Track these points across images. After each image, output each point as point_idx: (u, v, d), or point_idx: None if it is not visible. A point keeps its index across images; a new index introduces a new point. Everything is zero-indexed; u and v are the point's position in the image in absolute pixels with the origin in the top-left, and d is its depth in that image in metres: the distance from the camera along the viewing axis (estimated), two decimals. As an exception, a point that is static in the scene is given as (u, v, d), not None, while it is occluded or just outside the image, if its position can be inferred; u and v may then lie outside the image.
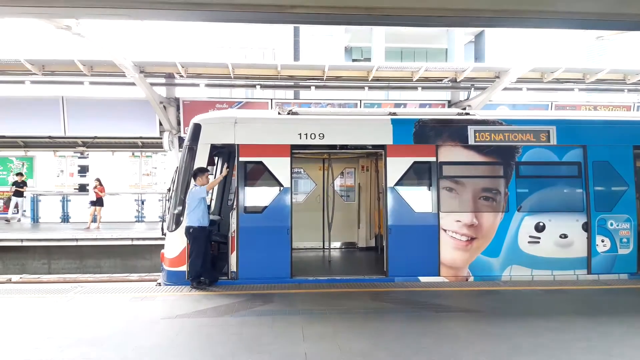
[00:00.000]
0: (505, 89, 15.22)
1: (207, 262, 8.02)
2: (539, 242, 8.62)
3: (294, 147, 8.49)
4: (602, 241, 8.73)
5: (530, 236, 8.61)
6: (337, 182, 12.21)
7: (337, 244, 11.81)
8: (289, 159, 8.41)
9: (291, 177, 8.45)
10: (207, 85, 15.63)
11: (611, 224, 8.74)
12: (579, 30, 10.77)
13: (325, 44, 26.28)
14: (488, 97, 15.13)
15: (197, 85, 15.58)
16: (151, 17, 6.50)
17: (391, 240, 8.47)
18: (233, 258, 8.24)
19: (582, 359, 5.02)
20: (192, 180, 8.16)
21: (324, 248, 11.51)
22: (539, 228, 8.62)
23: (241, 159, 8.37)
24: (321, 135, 8.54)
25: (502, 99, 16.24)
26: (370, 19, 5.84)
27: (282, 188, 8.35)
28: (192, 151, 8.40)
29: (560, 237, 8.64)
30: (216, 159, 9.92)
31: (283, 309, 6.86)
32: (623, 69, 16.06)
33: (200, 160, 8.30)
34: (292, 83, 16.10)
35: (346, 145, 8.84)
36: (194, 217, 7.91)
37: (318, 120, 8.84)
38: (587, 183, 8.78)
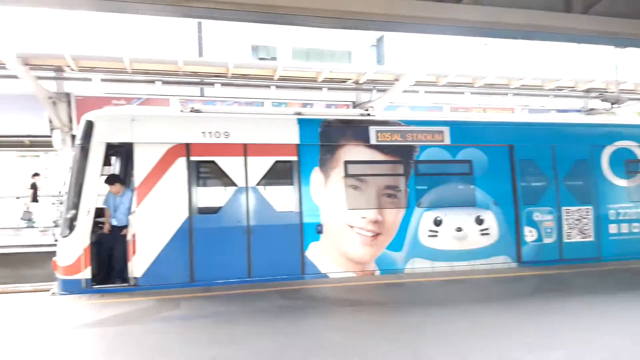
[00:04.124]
0: (404, 91, 16.01)
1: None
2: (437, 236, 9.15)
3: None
4: (530, 231, 9.55)
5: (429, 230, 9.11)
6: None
7: None
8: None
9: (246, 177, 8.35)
10: (103, 80, 14.63)
11: (536, 216, 9.61)
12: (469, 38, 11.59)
13: (232, 42, 25.89)
14: (389, 99, 15.81)
15: (90, 79, 14.52)
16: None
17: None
18: (135, 263, 7.80)
19: (474, 345, 5.42)
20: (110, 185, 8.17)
21: None
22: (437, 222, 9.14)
23: (192, 158, 8.10)
24: (226, 133, 8.40)
25: (403, 101, 17.04)
26: (268, 17, 5.81)
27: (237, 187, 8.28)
28: (84, 150, 7.84)
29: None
30: (113, 158, 9.35)
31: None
32: (507, 75, 17.62)
33: (95, 161, 7.79)
34: (197, 80, 15.61)
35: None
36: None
37: (223, 118, 8.66)
38: (515, 179, 9.56)
